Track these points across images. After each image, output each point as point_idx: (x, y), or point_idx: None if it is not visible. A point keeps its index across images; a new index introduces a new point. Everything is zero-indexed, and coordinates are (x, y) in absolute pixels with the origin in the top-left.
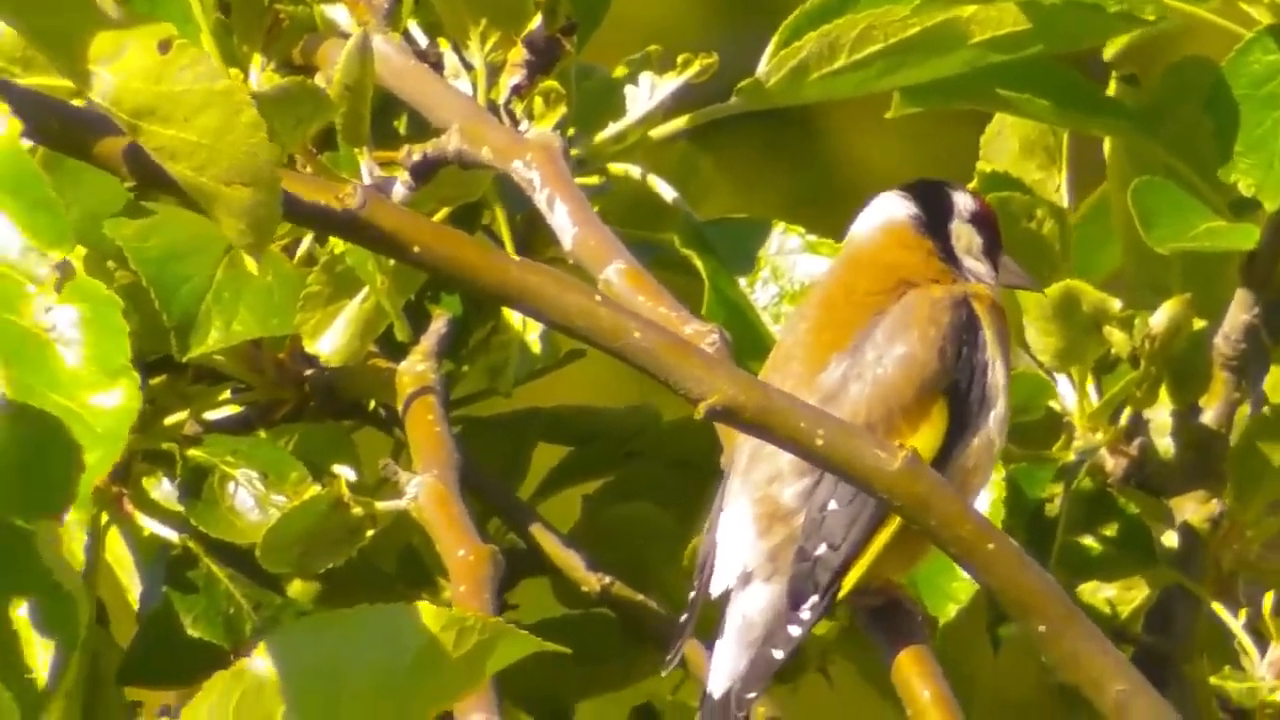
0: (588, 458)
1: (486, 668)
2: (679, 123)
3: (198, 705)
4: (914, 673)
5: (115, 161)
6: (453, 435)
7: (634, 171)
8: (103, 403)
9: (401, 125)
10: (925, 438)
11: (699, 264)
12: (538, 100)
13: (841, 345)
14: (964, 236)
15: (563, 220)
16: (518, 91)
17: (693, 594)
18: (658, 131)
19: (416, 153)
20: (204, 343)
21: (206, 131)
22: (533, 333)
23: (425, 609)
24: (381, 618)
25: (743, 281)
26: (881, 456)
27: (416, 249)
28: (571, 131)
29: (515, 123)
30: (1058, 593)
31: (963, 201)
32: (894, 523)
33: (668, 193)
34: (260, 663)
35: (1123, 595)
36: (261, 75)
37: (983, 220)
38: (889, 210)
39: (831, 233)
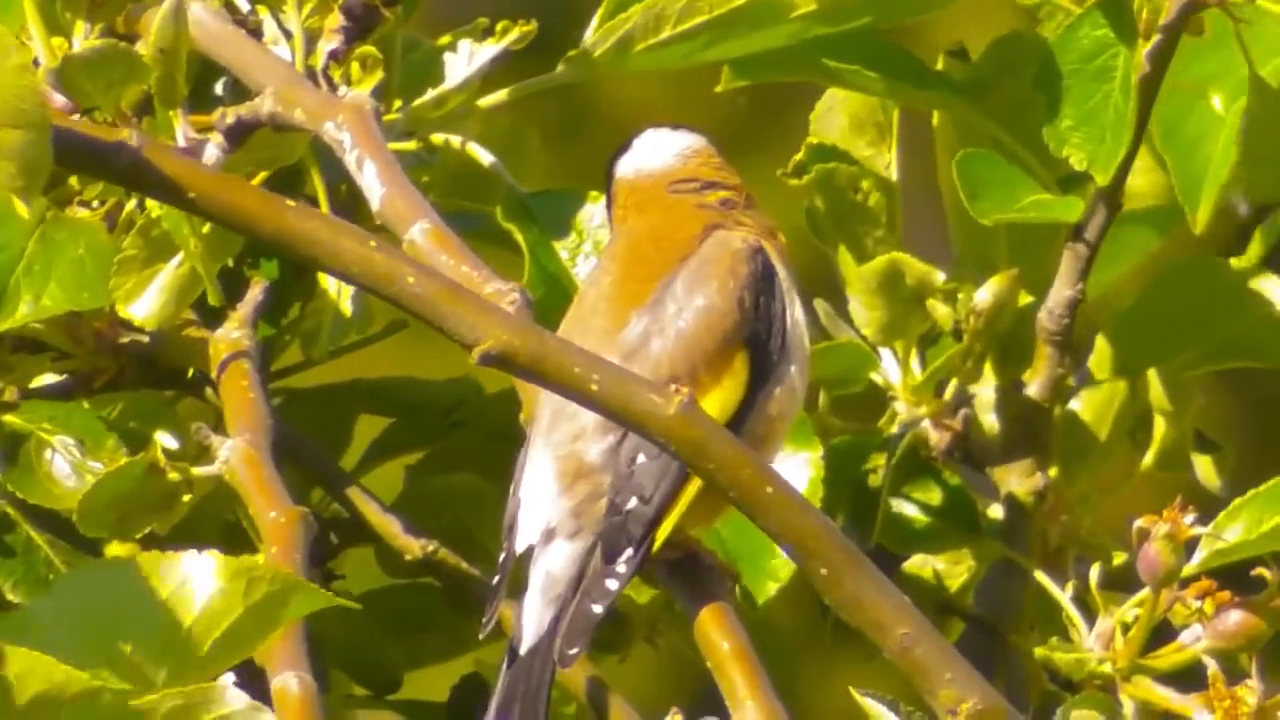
0: (410, 429)
1: (280, 619)
2: (501, 94)
3: None
4: (713, 626)
5: None
6: (270, 403)
7: (454, 140)
8: None
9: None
10: (728, 389)
11: (518, 236)
12: (354, 66)
13: (643, 300)
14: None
15: (370, 180)
16: (335, 57)
17: (502, 556)
18: (483, 101)
19: (230, 115)
20: (12, 317)
21: None
22: (345, 298)
23: (216, 557)
24: (170, 565)
25: (564, 254)
26: (657, 401)
27: (192, 194)
28: (399, 103)
29: (333, 88)
30: (837, 536)
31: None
32: None
33: (487, 158)
34: (44, 604)
35: (950, 569)
36: (83, 43)
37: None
38: (679, 140)
39: None
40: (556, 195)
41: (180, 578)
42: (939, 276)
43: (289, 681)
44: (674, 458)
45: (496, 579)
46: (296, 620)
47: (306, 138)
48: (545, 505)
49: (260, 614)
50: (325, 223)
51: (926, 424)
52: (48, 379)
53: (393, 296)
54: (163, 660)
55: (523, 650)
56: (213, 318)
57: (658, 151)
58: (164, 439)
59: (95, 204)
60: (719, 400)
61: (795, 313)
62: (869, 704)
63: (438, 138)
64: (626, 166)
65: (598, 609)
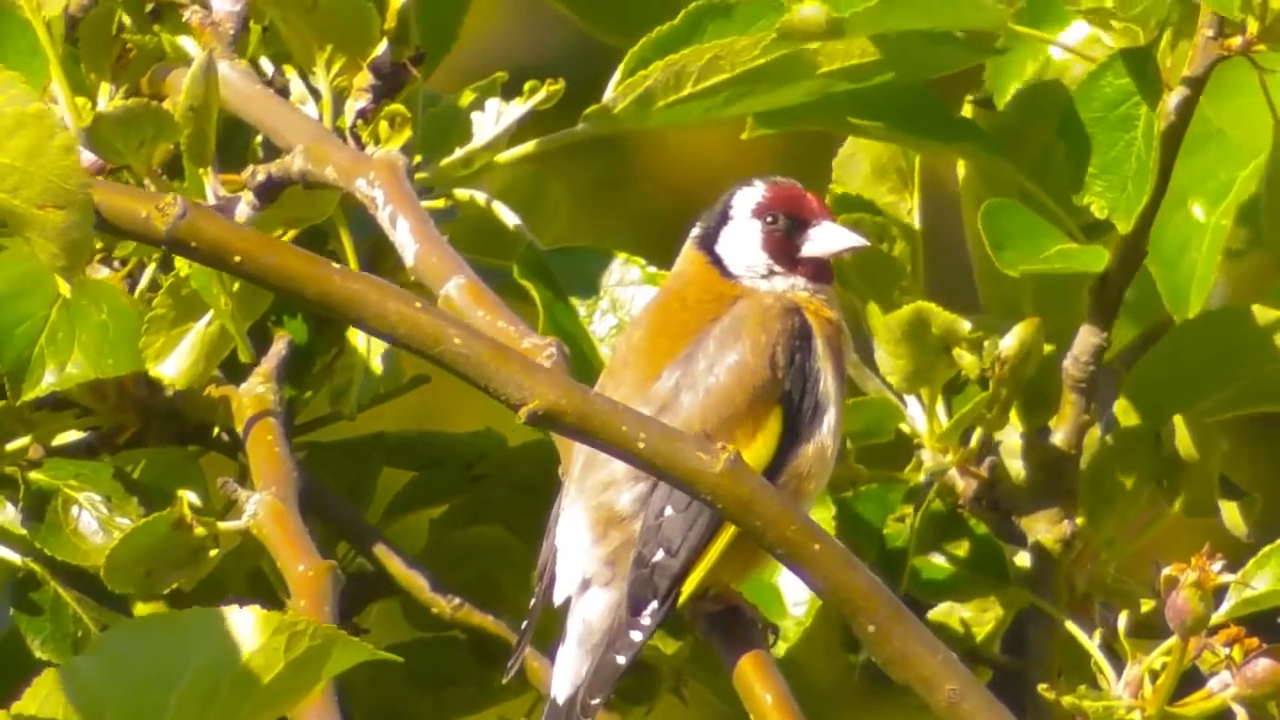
0: (433, 482)
1: (320, 674)
2: (526, 148)
3: (27, 702)
4: (755, 678)
5: None
6: (294, 457)
7: (479, 197)
8: None
9: (253, 150)
10: (759, 445)
11: (534, 293)
12: (383, 125)
13: (674, 355)
14: (738, 237)
15: (405, 237)
16: (364, 116)
17: (533, 602)
18: (504, 156)
19: (261, 173)
20: (36, 387)
21: (19, 154)
22: (376, 355)
23: (257, 613)
24: (212, 621)
25: (581, 311)
26: (704, 459)
27: (238, 258)
28: (419, 159)
29: (361, 146)
30: (884, 592)
31: (745, 198)
32: (730, 527)
33: (511, 219)
34: (88, 662)
35: (978, 617)
36: (110, 102)
37: (771, 206)
38: (691, 227)
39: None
40: (575, 253)
41: (222, 633)
42: (964, 325)
43: None
44: (720, 514)
45: (524, 624)
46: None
47: (336, 195)
48: (580, 555)
49: (302, 669)
50: (371, 284)
51: (953, 472)
52: (70, 435)
53: (438, 357)
54: (206, 717)
55: (560, 699)
56: (239, 375)
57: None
58: (189, 495)
59: (117, 264)
60: (749, 457)
61: (830, 377)
62: None
63: (462, 194)
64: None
65: (621, 660)
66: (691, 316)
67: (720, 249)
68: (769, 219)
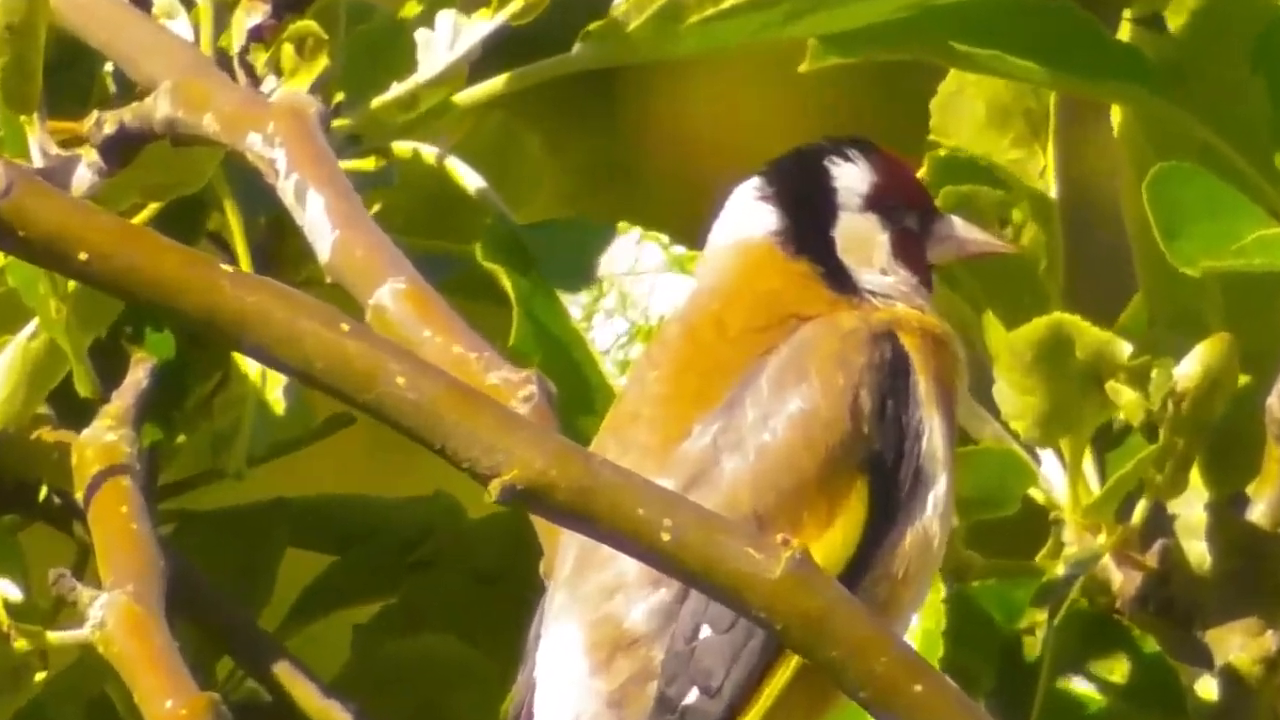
0: (359, 570)
1: None
2: (494, 85)
3: None
4: None
5: None
6: (159, 534)
7: (427, 152)
8: None
9: (99, 87)
10: (836, 536)
11: (505, 283)
12: (287, 50)
13: (710, 401)
14: (860, 237)
15: (318, 218)
16: (259, 37)
17: None
18: (464, 97)
19: (109, 121)
20: None
21: None
22: (275, 386)
23: None
24: None
25: (575, 310)
26: (756, 558)
27: (83, 256)
28: (340, 98)
29: (255, 80)
30: None
31: (850, 178)
32: (792, 658)
33: (473, 181)
34: None
35: None
36: None
37: (890, 192)
38: (742, 222)
39: (683, 232)
40: (564, 228)
41: None
42: (1123, 346)
43: None
44: (779, 639)
45: None
46: None
47: (218, 155)
48: (572, 691)
49: None
50: (276, 296)
51: (1107, 561)
52: None
53: (373, 405)
54: None
55: None
56: (77, 413)
57: (730, 230)
58: (5, 588)
59: None
60: (822, 554)
61: (937, 428)
62: None
63: (402, 148)
64: (710, 238)
65: None
66: (731, 350)
67: (838, 253)
68: (893, 211)
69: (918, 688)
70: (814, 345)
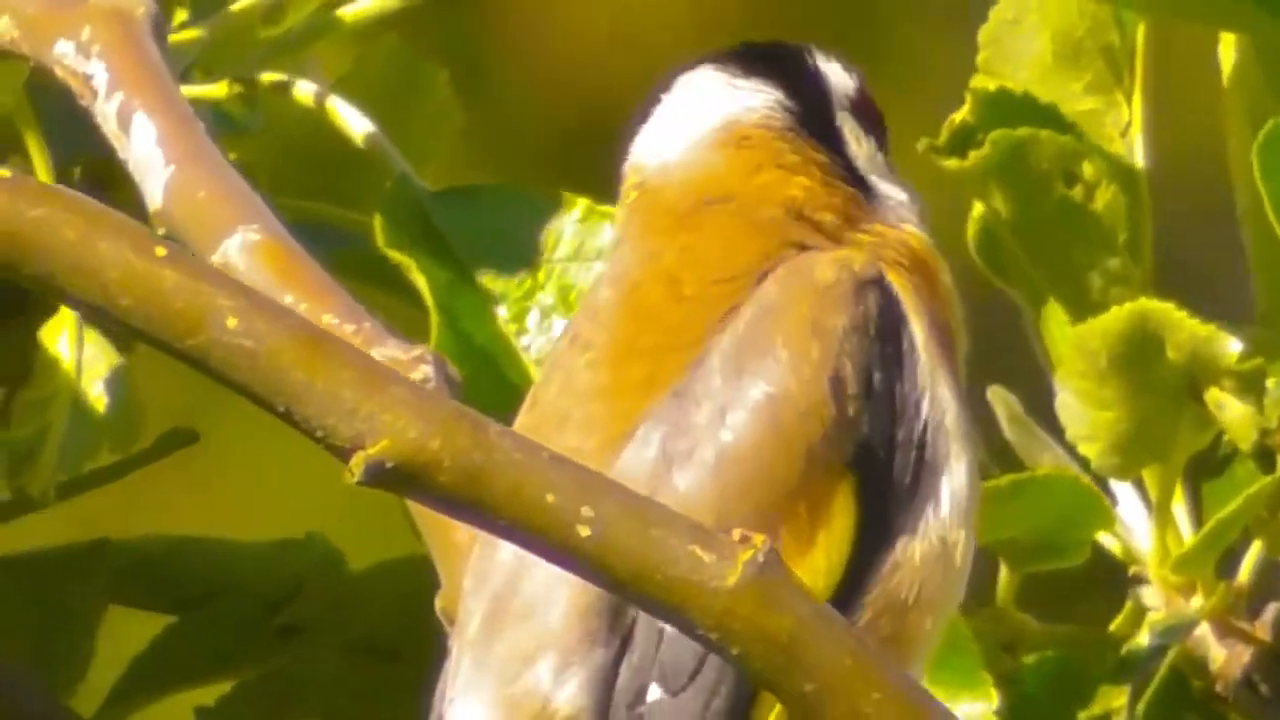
0: (205, 635)
1: None
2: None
3: None
4: None
5: None
6: None
7: (304, 90)
8: None
9: None
10: (821, 551)
11: (415, 273)
12: None
13: (657, 389)
14: (856, 138)
15: (147, 151)
16: None
17: None
18: (350, 11)
19: None
20: None
21: None
22: (94, 379)
23: None
24: None
25: (502, 309)
26: (704, 561)
27: None
28: (184, 15)
29: None
30: None
31: (836, 76)
32: (768, 704)
33: (358, 123)
34: None
35: None
36: None
37: (868, 105)
38: (724, 101)
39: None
40: (490, 198)
41: None
42: (1229, 345)
43: None
44: (736, 670)
45: None
46: None
47: (21, 72)
48: None
49: None
50: (70, 210)
51: (1204, 629)
52: None
53: (196, 352)
54: None
55: None
56: None
57: (707, 115)
58: None
59: None
60: (807, 574)
61: (943, 395)
62: None
63: (268, 77)
64: (646, 147)
65: None
66: (685, 314)
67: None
68: (867, 120)
69: None
70: (781, 305)
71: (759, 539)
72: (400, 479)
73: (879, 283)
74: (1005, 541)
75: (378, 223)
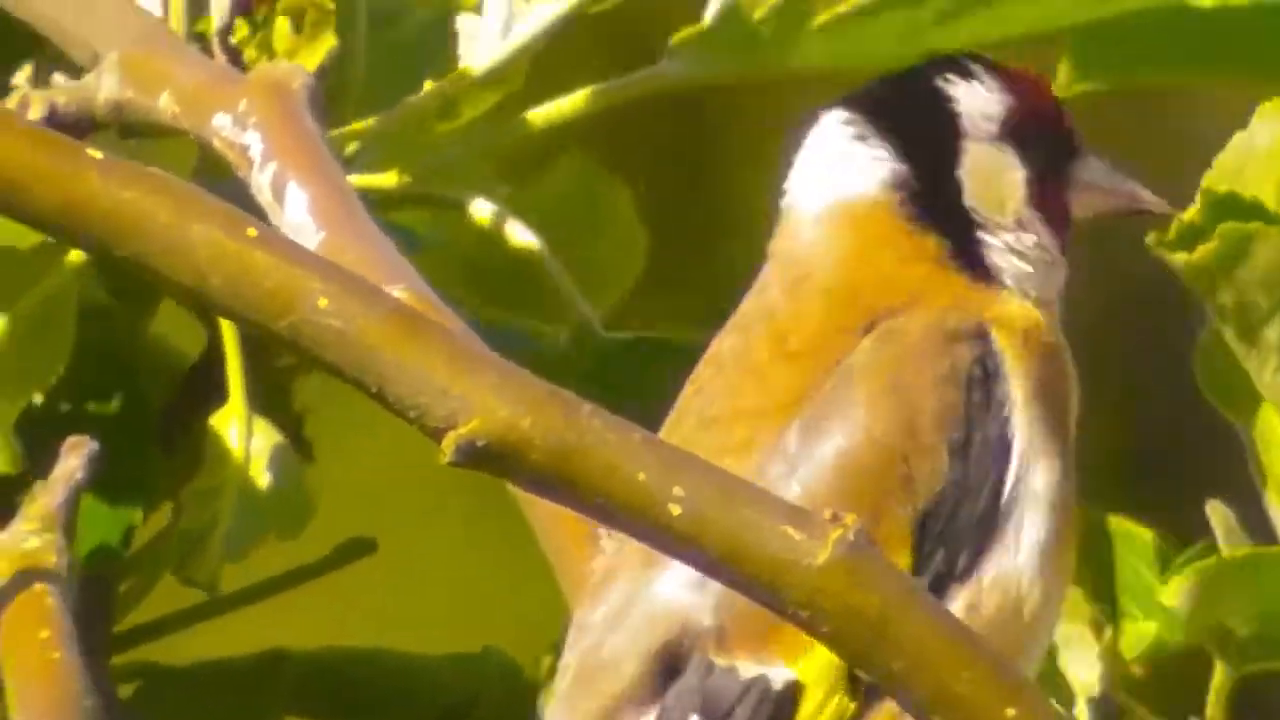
0: None
1: None
2: (576, 100)
3: None
4: None
5: None
6: (114, 695)
7: (481, 210)
8: None
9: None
10: None
11: None
12: (280, 26)
13: (754, 452)
14: (992, 175)
15: (299, 219)
16: (245, 10)
17: None
18: (536, 116)
19: (37, 105)
20: None
21: None
22: (261, 466)
23: None
24: None
25: None
26: (796, 539)
27: None
28: (360, 126)
29: (238, 64)
30: None
31: (975, 99)
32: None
33: (530, 245)
34: None
35: None
36: None
37: (1029, 117)
38: (836, 174)
39: None
40: (675, 351)
41: None
42: None
43: None
44: (830, 648)
45: None
46: None
47: (192, 151)
48: None
49: None
50: (163, 192)
51: None
52: None
53: (288, 334)
54: None
55: None
56: None
57: (827, 187)
58: None
59: None
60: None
61: (1039, 461)
62: None
63: (443, 188)
64: (791, 193)
65: None
66: (789, 374)
67: (965, 199)
68: (1033, 143)
69: (1011, 712)
70: (866, 363)
71: (850, 518)
72: (492, 457)
73: (975, 335)
74: (1220, 633)
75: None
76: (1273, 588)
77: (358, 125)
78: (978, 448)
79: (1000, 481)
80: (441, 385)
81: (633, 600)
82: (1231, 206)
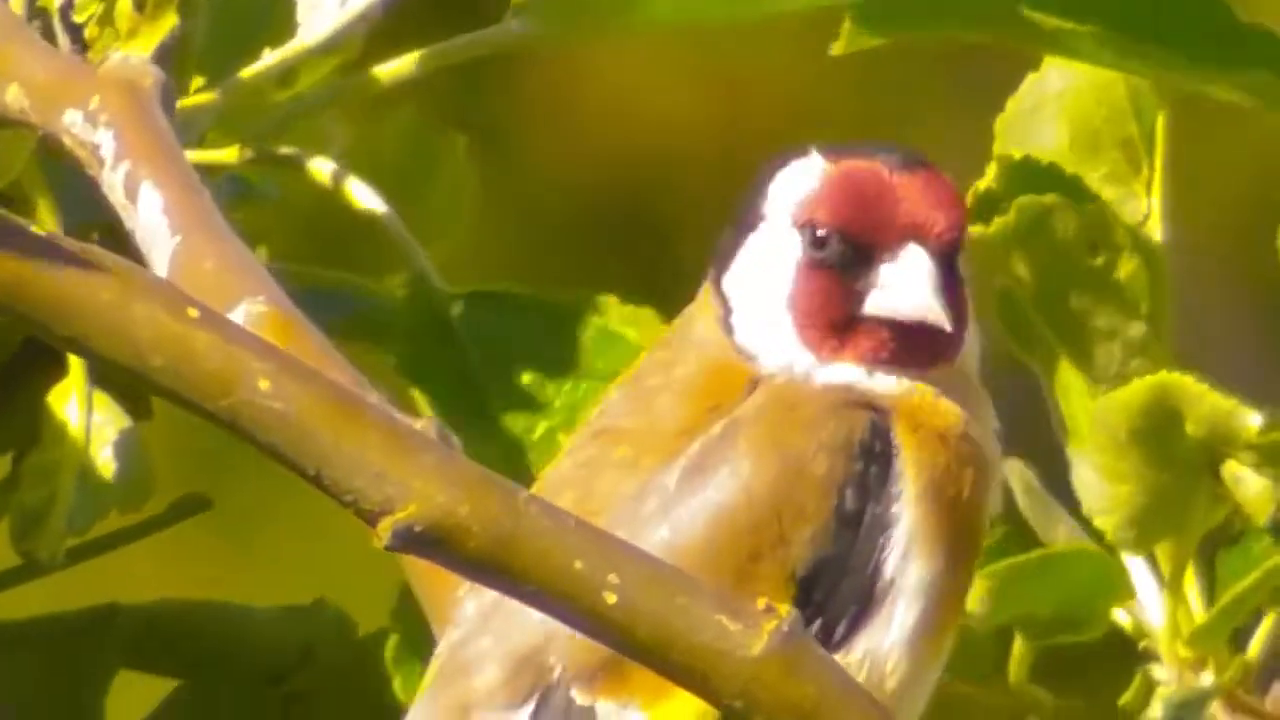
0: (212, 701)
1: None
2: (406, 63)
3: None
4: None
5: None
6: None
7: (319, 166)
8: None
9: None
10: None
11: (416, 395)
12: (123, 5)
13: (623, 491)
14: (761, 261)
15: (154, 221)
16: None
17: None
18: (365, 77)
19: None
20: None
21: None
22: (103, 444)
23: None
24: None
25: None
26: (730, 629)
27: None
28: (199, 82)
29: (83, 47)
30: None
31: (788, 182)
32: None
33: (376, 206)
34: None
35: None
36: None
37: (826, 208)
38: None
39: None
40: (514, 304)
41: None
42: (1249, 418)
43: None
44: None
45: None
46: None
47: (29, 142)
48: None
49: None
50: (104, 271)
51: (1216, 709)
52: None
53: (226, 413)
54: None
55: None
56: None
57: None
58: None
59: None
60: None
61: (917, 542)
62: None
63: (283, 148)
64: (722, 278)
65: None
66: (676, 419)
67: (730, 290)
68: (822, 236)
69: None
70: (756, 418)
71: (784, 608)
72: (429, 543)
73: (866, 412)
74: (1022, 615)
75: (397, 351)
76: (1059, 580)
77: (200, 99)
78: (867, 523)
79: (882, 562)
80: (378, 469)
81: (503, 601)
82: (1028, 173)
